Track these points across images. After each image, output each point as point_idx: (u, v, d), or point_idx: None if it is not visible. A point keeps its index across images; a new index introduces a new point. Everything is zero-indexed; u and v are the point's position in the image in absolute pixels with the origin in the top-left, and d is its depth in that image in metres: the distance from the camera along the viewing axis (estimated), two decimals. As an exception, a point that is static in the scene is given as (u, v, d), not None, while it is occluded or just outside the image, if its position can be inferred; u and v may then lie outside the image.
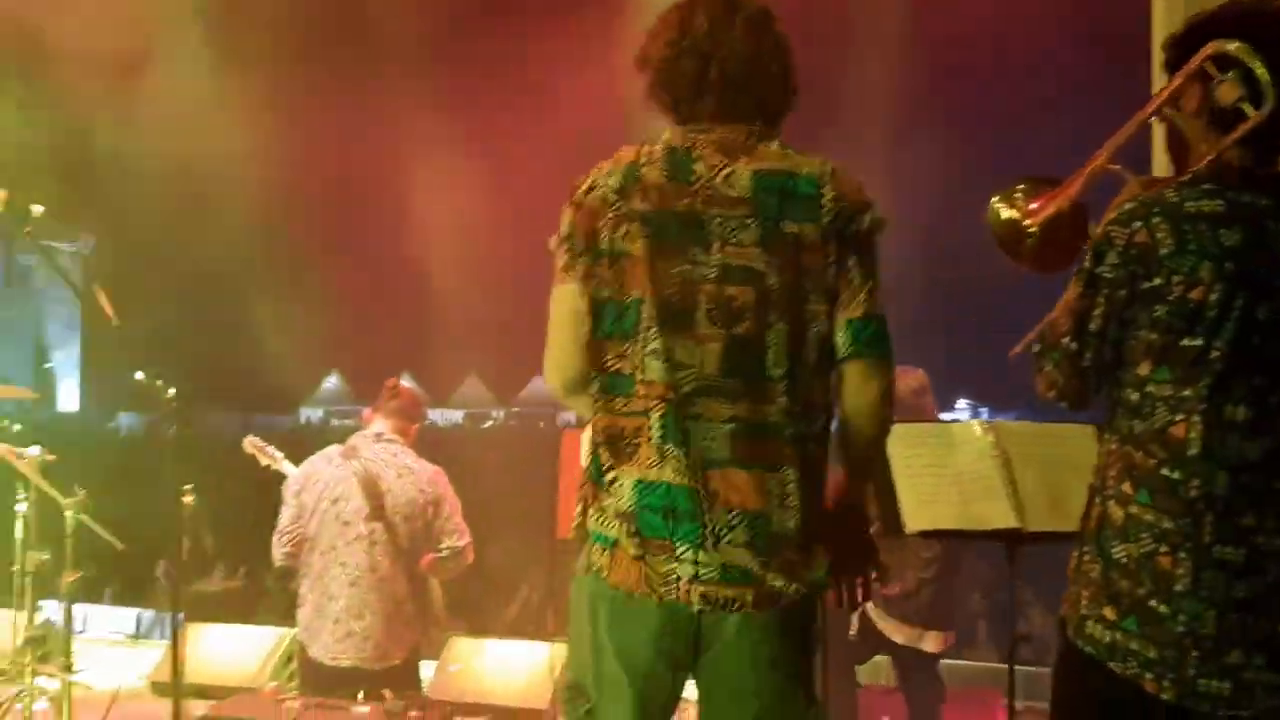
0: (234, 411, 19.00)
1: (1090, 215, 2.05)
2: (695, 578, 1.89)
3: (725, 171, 1.97)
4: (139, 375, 3.00)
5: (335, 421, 25.28)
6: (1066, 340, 1.93)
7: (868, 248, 2.00)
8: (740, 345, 1.92)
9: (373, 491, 3.89)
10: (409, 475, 3.98)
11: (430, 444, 4.28)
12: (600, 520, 1.96)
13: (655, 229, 1.95)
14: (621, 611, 1.95)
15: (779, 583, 1.91)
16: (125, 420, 21.55)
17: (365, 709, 3.26)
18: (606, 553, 1.95)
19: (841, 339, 1.98)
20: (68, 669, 3.04)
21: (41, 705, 3.25)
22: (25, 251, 24.51)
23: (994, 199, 2.12)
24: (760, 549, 1.90)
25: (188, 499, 3.34)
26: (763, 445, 1.93)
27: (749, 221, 1.94)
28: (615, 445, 1.96)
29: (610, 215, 1.97)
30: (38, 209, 2.46)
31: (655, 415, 1.91)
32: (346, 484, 3.92)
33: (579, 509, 2.03)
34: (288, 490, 4.03)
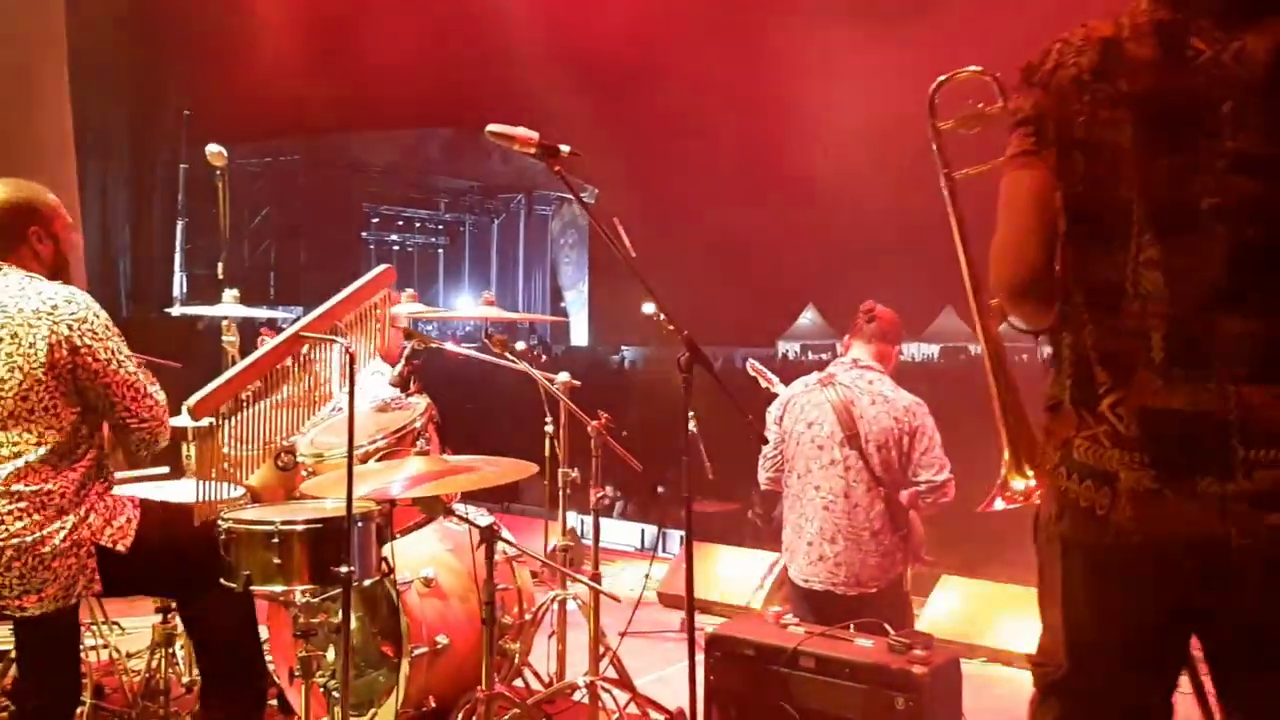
0: (719, 345, 20.04)
1: None
2: (1225, 511, 1.60)
3: (1234, 47, 1.63)
4: (649, 308, 3.15)
5: (811, 355, 25.86)
6: None
7: None
8: (1259, 249, 1.61)
9: (846, 418, 3.84)
10: (883, 403, 3.88)
11: (908, 379, 4.12)
12: (1089, 453, 1.71)
13: (1148, 115, 1.65)
14: (1112, 560, 1.69)
15: None
16: (627, 352, 23.75)
17: (869, 643, 3.20)
18: (1098, 492, 1.69)
19: None
20: (596, 578, 3.30)
21: (572, 607, 3.59)
22: (542, 204, 27.57)
23: None
24: None
25: (692, 425, 3.48)
26: None
27: (1274, 104, 1.60)
28: (1110, 365, 1.71)
29: (1087, 99, 1.69)
30: (565, 148, 2.62)
31: (1156, 335, 1.65)
32: (821, 409, 3.92)
33: (1050, 443, 1.78)
34: (770, 416, 4.12)
